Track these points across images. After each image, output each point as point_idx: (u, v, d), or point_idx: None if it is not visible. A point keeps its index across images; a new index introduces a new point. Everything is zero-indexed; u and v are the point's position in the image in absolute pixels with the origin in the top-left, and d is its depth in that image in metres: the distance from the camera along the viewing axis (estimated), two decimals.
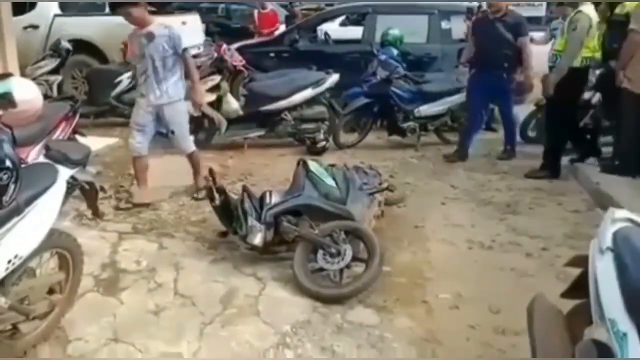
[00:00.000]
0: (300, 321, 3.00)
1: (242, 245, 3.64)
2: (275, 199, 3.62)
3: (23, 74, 6.12)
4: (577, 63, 5.16)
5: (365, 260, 3.31)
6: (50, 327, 2.69)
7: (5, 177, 2.17)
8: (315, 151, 6.22)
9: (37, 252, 2.48)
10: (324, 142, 6.27)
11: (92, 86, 6.99)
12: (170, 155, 5.56)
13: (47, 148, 2.65)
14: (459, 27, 7.76)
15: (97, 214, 3.05)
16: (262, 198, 3.64)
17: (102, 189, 3.03)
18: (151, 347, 2.74)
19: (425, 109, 6.54)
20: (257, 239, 3.49)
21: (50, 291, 2.65)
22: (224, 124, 6.14)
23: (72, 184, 2.61)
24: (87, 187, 2.68)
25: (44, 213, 2.42)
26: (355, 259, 3.34)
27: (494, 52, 5.69)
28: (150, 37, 4.37)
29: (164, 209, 4.56)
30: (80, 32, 7.56)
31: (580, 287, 2.17)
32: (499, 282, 3.50)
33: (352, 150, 6.48)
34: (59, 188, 2.48)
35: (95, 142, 5.76)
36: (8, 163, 2.19)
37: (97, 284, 3.32)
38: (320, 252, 3.36)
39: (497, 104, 6.36)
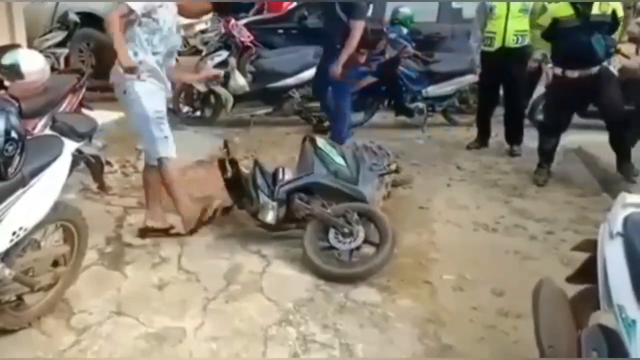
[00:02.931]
0: (303, 299, 3.01)
1: (252, 221, 3.62)
2: (287, 175, 3.59)
3: (31, 46, 6.08)
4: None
5: (377, 243, 3.29)
6: (54, 299, 2.70)
7: (10, 148, 2.16)
8: (322, 130, 6.17)
9: (41, 225, 2.48)
10: None
11: (99, 60, 6.94)
12: (177, 130, 5.55)
13: (53, 120, 2.63)
14: (470, 7, 7.63)
15: (102, 188, 3.05)
16: (274, 174, 3.62)
17: (108, 162, 3.03)
18: (155, 321, 2.75)
19: (434, 90, 6.48)
20: (270, 217, 3.47)
21: (55, 263, 2.66)
22: (231, 100, 6.10)
23: (78, 157, 2.59)
24: (92, 160, 2.67)
25: (49, 185, 2.41)
26: (366, 241, 3.32)
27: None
28: None
29: None
30: (88, 5, 7.48)
31: (587, 272, 2.15)
32: (503, 265, 3.49)
33: (358, 130, 6.43)
34: (65, 161, 2.47)
35: (101, 116, 5.73)
36: (14, 134, 2.18)
37: (102, 258, 3.33)
38: (332, 231, 3.33)
39: None
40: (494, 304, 3.04)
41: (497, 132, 6.18)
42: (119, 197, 4.20)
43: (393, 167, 4.37)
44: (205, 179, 4.46)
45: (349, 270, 3.21)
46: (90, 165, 2.71)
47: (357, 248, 3.30)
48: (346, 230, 3.30)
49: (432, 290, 3.19)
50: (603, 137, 6.12)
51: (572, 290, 2.35)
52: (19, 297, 2.52)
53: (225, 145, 3.65)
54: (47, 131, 2.55)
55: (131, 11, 3.25)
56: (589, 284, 2.16)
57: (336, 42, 5.19)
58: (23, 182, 2.29)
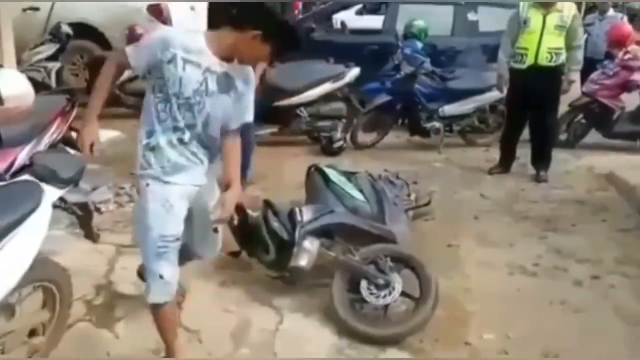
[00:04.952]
0: None
1: (266, 272, 3.17)
2: (307, 216, 3.07)
3: (20, 60, 5.67)
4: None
5: (416, 297, 2.82)
6: None
7: None
8: (332, 151, 5.77)
9: (16, 288, 2.04)
10: (341, 142, 5.82)
11: (93, 74, 6.52)
12: None
13: (31, 162, 2.19)
14: (486, 19, 7.25)
15: (91, 238, 2.59)
16: (291, 214, 3.11)
17: (98, 209, 2.58)
18: None
19: (451, 109, 6.08)
20: (305, 261, 2.94)
21: (32, 332, 2.22)
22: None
23: (62, 207, 2.16)
24: (79, 212, 2.23)
25: (25, 245, 1.97)
26: (403, 293, 2.84)
27: None
28: None
29: None
30: (82, 16, 7.08)
31: None
32: (549, 319, 3.05)
33: (370, 151, 6.03)
34: (44, 213, 2.02)
35: None
36: None
37: (90, 312, 2.88)
38: (364, 282, 2.86)
39: None
40: None
41: (519, 154, 5.77)
42: (111, 233, 3.74)
43: (413, 197, 3.99)
44: None
45: (384, 331, 2.75)
46: (77, 215, 2.27)
47: (394, 301, 2.83)
48: (381, 281, 2.83)
49: (472, 353, 2.75)
50: (632, 159, 5.81)
51: None
52: None
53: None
54: (25, 176, 2.10)
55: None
56: None
57: None
58: None
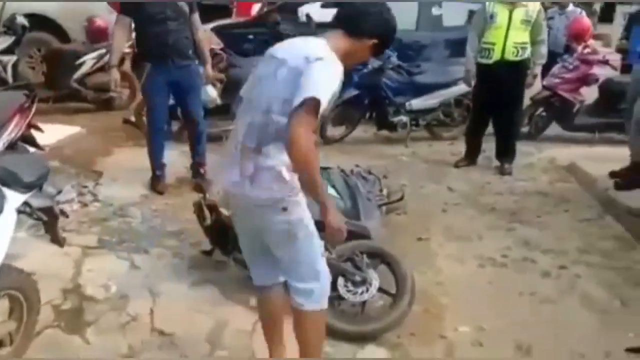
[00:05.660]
0: None
1: (241, 270, 3.07)
2: None
3: None
4: None
5: (392, 293, 2.81)
6: None
7: None
8: None
9: None
10: None
11: (51, 67, 6.30)
12: (140, 147, 5.02)
13: None
14: (450, 14, 7.32)
15: (57, 242, 2.48)
16: None
17: (64, 213, 2.47)
18: None
19: (417, 103, 6.11)
20: None
21: None
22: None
23: (26, 213, 2.06)
24: (44, 217, 2.13)
25: None
26: (380, 289, 2.83)
27: None
28: None
29: (134, 215, 4.02)
30: (38, 7, 6.81)
31: None
32: (521, 310, 3.11)
33: (338, 146, 6.01)
34: (7, 221, 1.93)
35: (54, 132, 5.16)
36: None
37: (58, 317, 2.78)
38: (341, 279, 2.83)
39: None
40: None
41: (484, 148, 5.86)
42: (77, 234, 3.63)
43: (385, 192, 4.00)
44: None
45: (362, 327, 2.73)
46: (42, 221, 2.17)
47: (371, 297, 2.82)
48: (357, 278, 2.83)
49: (449, 346, 2.78)
50: (591, 151, 5.98)
51: None
52: None
53: (201, 189, 3.13)
54: None
55: None
56: None
57: None
58: None
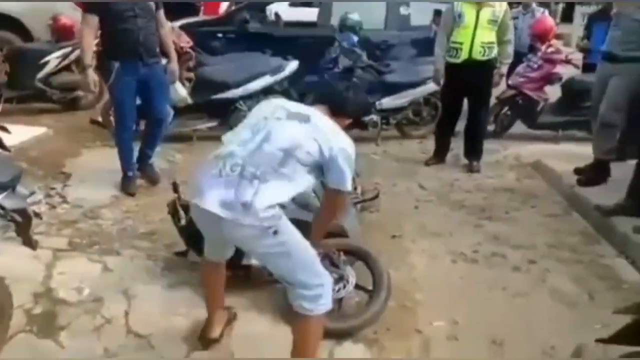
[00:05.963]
0: None
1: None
2: None
3: None
4: None
5: (369, 289, 2.85)
6: None
7: None
8: None
9: None
10: None
11: (14, 67, 6.13)
12: (109, 148, 4.94)
13: None
14: (417, 13, 7.41)
15: (30, 245, 2.43)
16: None
17: (37, 215, 2.42)
18: None
19: (387, 102, 6.19)
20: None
21: None
22: (171, 113, 5.50)
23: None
24: (18, 218, 2.08)
25: None
26: (356, 286, 2.87)
27: None
28: None
29: (105, 217, 3.95)
30: (0, 6, 6.61)
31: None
32: (493, 305, 3.18)
33: None
34: None
35: (19, 133, 5.01)
36: None
37: (30, 322, 2.72)
38: None
39: None
40: (494, 354, 2.73)
41: (452, 146, 5.97)
42: (46, 237, 3.55)
43: (359, 190, 4.03)
44: None
45: (339, 324, 2.73)
46: (15, 223, 2.12)
47: (348, 294, 2.85)
48: (335, 275, 2.83)
49: (424, 341, 2.83)
50: (555, 148, 6.15)
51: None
52: None
53: (175, 188, 3.10)
54: None
55: None
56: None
57: None
58: None
